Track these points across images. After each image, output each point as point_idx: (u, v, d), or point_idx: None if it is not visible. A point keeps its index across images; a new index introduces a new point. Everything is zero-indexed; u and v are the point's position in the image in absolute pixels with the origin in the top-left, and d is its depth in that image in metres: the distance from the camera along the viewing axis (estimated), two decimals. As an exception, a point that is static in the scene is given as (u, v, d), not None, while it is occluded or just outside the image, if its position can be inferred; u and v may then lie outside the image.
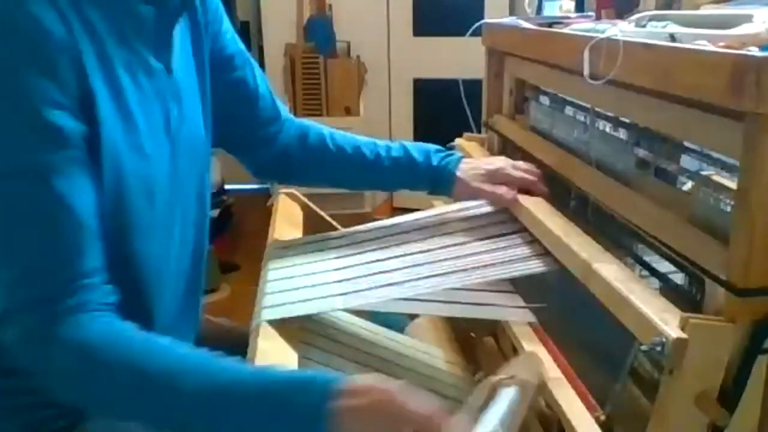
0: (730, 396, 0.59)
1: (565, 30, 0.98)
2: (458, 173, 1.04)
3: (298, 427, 0.64)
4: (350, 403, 0.62)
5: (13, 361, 0.73)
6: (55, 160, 0.68)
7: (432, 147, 1.09)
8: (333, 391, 0.63)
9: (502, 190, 1.01)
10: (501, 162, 1.05)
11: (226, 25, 1.00)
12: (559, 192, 0.99)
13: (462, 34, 1.34)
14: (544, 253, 0.89)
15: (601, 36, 0.77)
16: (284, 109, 1.11)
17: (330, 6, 3.50)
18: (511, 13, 3.20)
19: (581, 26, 0.99)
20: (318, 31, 3.44)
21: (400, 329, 1.07)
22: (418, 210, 1.12)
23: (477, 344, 1.07)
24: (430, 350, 1.02)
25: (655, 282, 0.77)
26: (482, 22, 1.26)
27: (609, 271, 0.71)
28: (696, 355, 0.57)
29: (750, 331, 0.58)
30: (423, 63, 3.55)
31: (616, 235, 0.83)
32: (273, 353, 0.78)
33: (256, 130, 1.06)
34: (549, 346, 0.82)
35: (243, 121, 1.05)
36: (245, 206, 3.55)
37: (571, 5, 1.43)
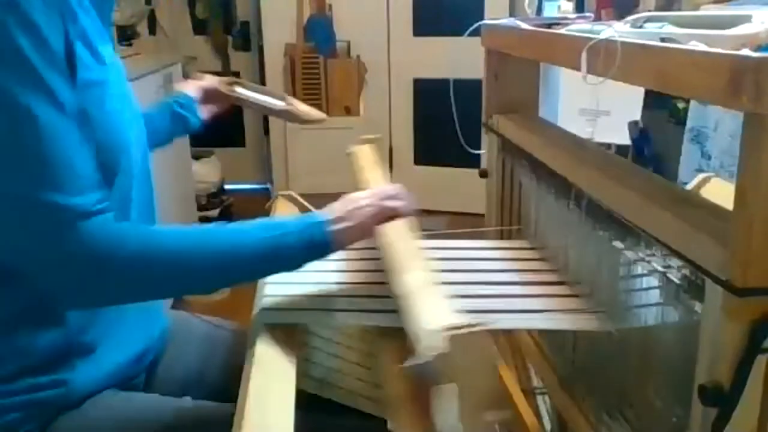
0: (729, 395, 0.59)
1: (563, 31, 0.98)
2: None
3: (311, 256, 0.81)
4: (343, 226, 0.82)
5: None
6: (57, 92, 0.72)
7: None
8: (328, 223, 0.81)
9: None
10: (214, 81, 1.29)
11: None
12: (560, 191, 0.99)
13: (462, 34, 1.34)
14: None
15: (600, 37, 0.77)
16: None
17: (330, 6, 3.50)
18: (511, 13, 3.20)
19: (579, 27, 0.99)
20: (318, 31, 3.45)
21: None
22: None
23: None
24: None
25: (655, 281, 0.77)
26: (481, 22, 1.27)
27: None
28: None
29: (749, 331, 0.58)
30: (423, 63, 3.54)
31: (616, 235, 0.84)
32: (272, 354, 0.78)
33: None
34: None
35: None
36: (245, 206, 3.55)
37: (570, 6, 1.43)
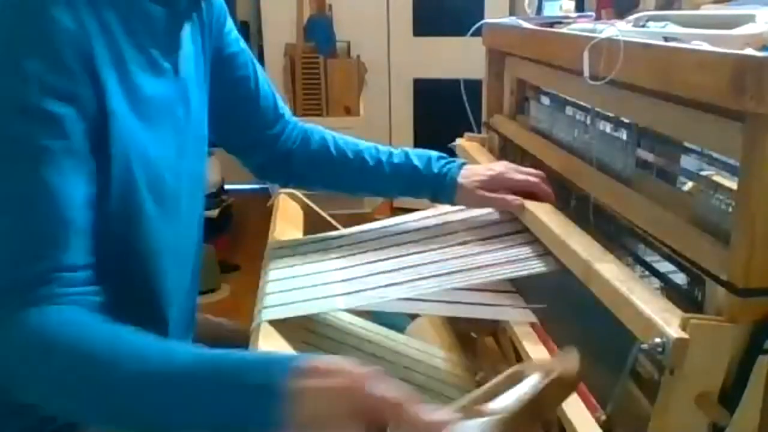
0: (730, 396, 0.59)
1: (565, 30, 0.98)
2: (460, 180, 1.02)
3: (252, 407, 0.58)
4: (312, 383, 0.57)
5: None
6: (47, 147, 0.67)
7: (434, 153, 1.07)
8: (294, 370, 0.58)
9: (507, 196, 0.98)
10: (501, 166, 1.03)
11: (230, 24, 1.00)
12: (560, 192, 0.99)
13: (462, 34, 1.34)
14: (545, 254, 0.89)
15: (602, 36, 0.76)
16: (288, 112, 1.11)
17: (330, 6, 3.50)
18: (511, 13, 3.20)
19: (581, 26, 0.99)
20: (318, 31, 3.44)
21: (401, 329, 1.07)
22: (418, 210, 1.12)
23: (477, 344, 1.07)
24: (430, 350, 1.02)
25: (656, 282, 0.77)
26: (482, 22, 1.26)
27: (609, 271, 0.71)
28: (697, 355, 0.57)
29: (750, 331, 0.58)
30: (423, 63, 3.55)
31: (617, 235, 0.83)
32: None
33: (257, 131, 1.06)
34: (549, 346, 0.82)
35: (244, 121, 1.05)
36: (245, 206, 3.55)
37: (571, 5, 1.43)
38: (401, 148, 1.10)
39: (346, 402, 0.56)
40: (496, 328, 1.01)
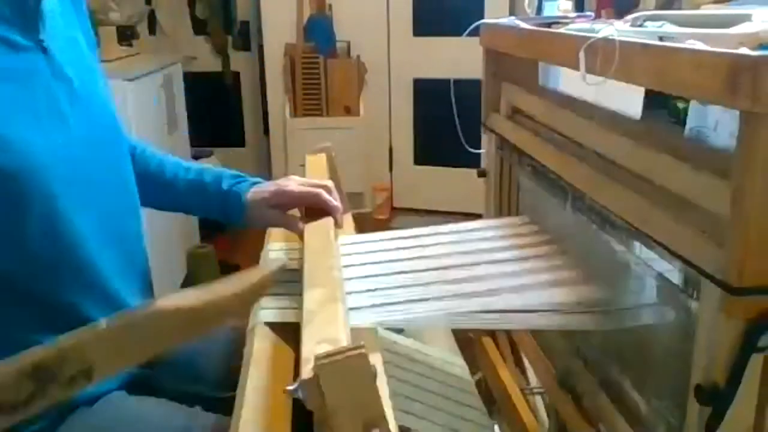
0: (725, 394, 0.59)
1: (562, 30, 0.98)
2: (247, 196, 0.96)
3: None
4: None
5: None
6: None
7: (230, 172, 1.01)
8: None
9: (294, 216, 0.95)
10: (286, 180, 0.96)
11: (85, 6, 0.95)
12: (557, 191, 0.99)
13: (462, 34, 1.34)
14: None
15: (598, 36, 0.77)
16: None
17: (330, 6, 3.51)
18: (511, 13, 3.20)
19: (579, 26, 0.99)
20: (318, 31, 3.45)
21: (399, 329, 1.07)
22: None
23: (475, 344, 1.08)
24: (427, 350, 1.03)
25: (652, 280, 0.77)
26: (479, 22, 1.26)
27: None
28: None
29: (744, 330, 0.58)
30: (423, 63, 3.55)
31: (614, 234, 0.84)
32: (270, 354, 0.78)
33: None
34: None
35: None
36: (245, 206, 3.55)
37: (569, 5, 1.43)
38: (205, 165, 1.06)
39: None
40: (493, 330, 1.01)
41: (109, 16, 2.43)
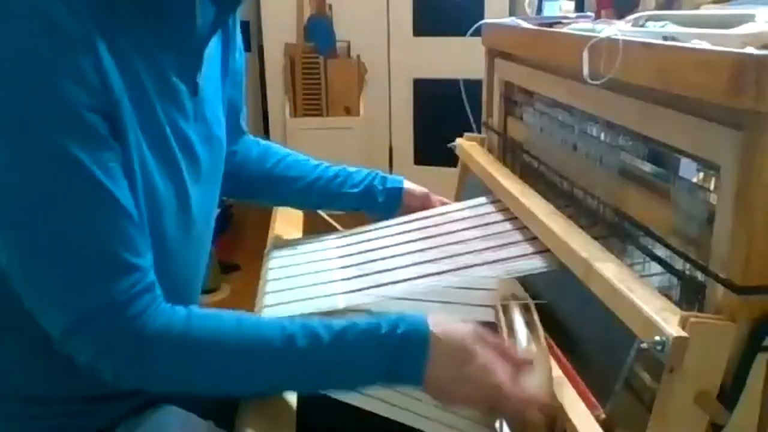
0: (729, 394, 0.59)
1: (564, 30, 0.98)
2: (405, 185, 1.14)
3: (398, 355, 0.70)
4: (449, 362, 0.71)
5: (37, 389, 0.75)
6: (96, 156, 0.65)
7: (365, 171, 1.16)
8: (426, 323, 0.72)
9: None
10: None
11: (239, 37, 0.97)
12: (559, 190, 0.99)
13: (462, 34, 1.34)
14: (545, 251, 0.89)
15: (601, 36, 0.77)
16: (245, 125, 1.10)
17: (330, 6, 3.51)
18: (511, 13, 3.20)
19: (580, 27, 0.99)
20: (318, 31, 3.45)
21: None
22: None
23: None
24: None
25: (656, 280, 0.77)
26: (482, 22, 1.27)
27: (609, 270, 0.71)
28: (696, 353, 0.57)
29: (749, 329, 0.58)
30: (423, 63, 3.55)
31: (617, 234, 0.84)
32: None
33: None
34: (549, 343, 0.82)
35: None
36: (245, 206, 3.55)
37: (571, 5, 1.43)
38: (342, 166, 1.15)
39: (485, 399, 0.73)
40: (495, 327, 1.01)
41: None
